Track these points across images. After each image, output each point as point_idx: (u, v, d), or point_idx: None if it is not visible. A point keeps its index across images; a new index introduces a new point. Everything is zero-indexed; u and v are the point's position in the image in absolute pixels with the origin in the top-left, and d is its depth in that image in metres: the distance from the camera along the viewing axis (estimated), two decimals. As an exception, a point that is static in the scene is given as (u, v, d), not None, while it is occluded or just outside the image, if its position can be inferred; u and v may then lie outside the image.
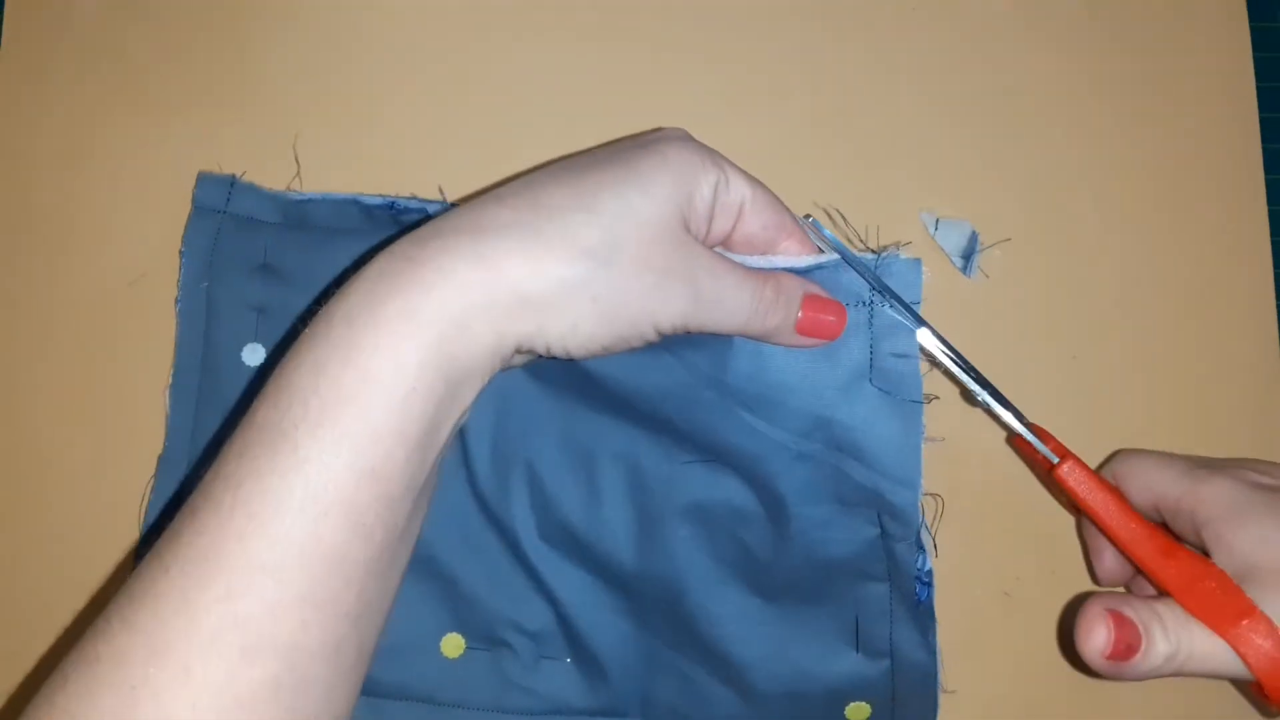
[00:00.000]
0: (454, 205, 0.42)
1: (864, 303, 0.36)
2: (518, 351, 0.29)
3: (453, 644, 0.39)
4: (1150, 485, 0.36)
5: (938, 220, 0.44)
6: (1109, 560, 0.38)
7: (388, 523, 0.27)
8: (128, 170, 0.45)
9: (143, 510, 0.41)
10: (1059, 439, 0.37)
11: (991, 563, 0.42)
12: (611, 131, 0.45)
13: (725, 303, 0.31)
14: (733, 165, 0.33)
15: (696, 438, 0.37)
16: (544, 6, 0.46)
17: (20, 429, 0.44)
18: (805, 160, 0.44)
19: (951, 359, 0.37)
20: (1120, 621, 0.31)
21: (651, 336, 0.31)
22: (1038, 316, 0.43)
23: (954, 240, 0.43)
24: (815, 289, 0.34)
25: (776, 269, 0.34)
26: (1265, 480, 0.34)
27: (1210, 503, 0.33)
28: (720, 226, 0.33)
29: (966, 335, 0.43)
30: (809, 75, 0.45)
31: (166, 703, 0.24)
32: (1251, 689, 0.31)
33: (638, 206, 0.30)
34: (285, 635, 0.25)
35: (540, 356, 0.31)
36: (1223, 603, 0.31)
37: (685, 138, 0.33)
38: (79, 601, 0.41)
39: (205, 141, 0.45)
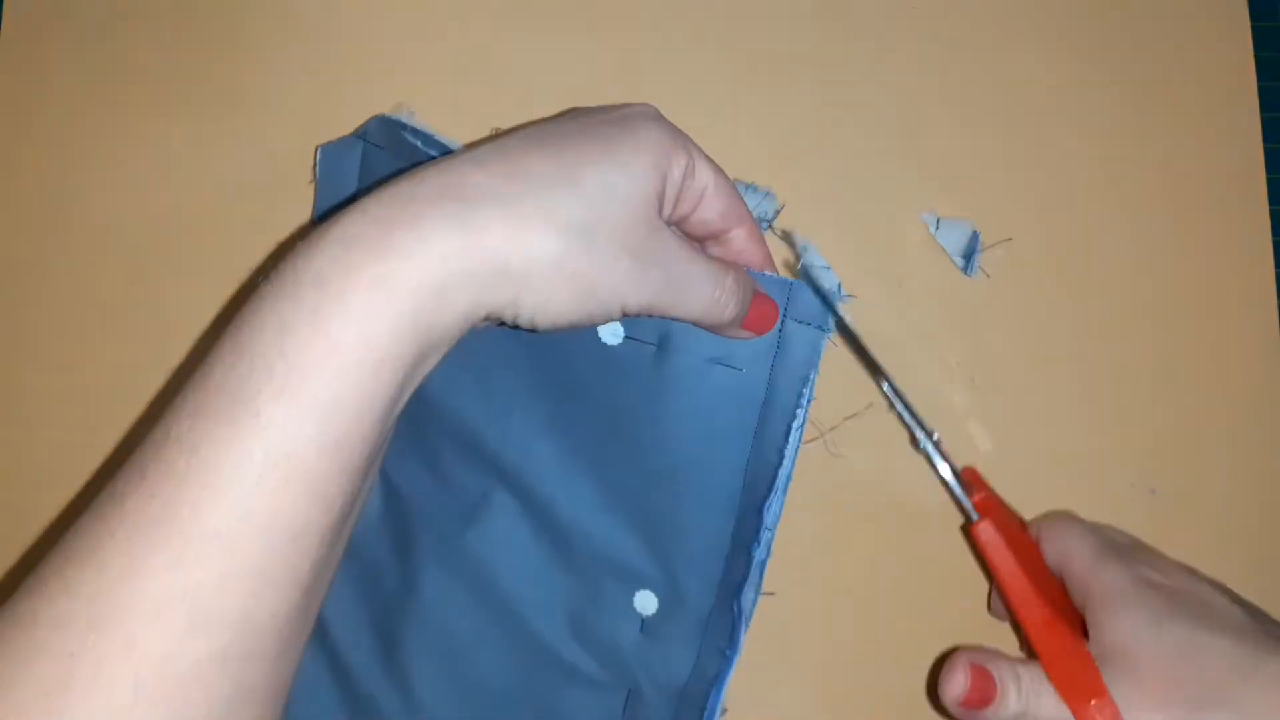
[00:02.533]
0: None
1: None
2: (486, 319, 0.29)
3: None
4: (1061, 553, 0.37)
5: (938, 220, 0.44)
6: (1000, 603, 0.40)
7: (347, 492, 0.26)
8: (127, 169, 0.45)
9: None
10: (992, 488, 0.39)
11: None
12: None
13: (691, 289, 0.31)
14: (698, 148, 0.33)
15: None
16: (545, 8, 0.46)
17: (20, 428, 0.44)
18: (805, 160, 0.44)
19: (900, 404, 0.38)
20: (980, 674, 0.34)
21: (616, 316, 0.30)
22: (1038, 316, 0.43)
23: (954, 240, 0.43)
24: (758, 287, 0.35)
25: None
26: (1157, 578, 0.35)
27: (1100, 586, 0.35)
28: (682, 210, 0.33)
29: (967, 335, 0.43)
30: (809, 74, 0.45)
31: (107, 673, 0.23)
32: None
33: (618, 186, 0.29)
34: (236, 608, 0.24)
35: (501, 324, 0.30)
36: (1081, 681, 0.33)
37: (657, 117, 0.32)
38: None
39: (205, 141, 0.45)
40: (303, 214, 0.44)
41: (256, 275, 0.43)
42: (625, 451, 0.38)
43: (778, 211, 0.44)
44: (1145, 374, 0.43)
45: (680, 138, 0.32)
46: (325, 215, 0.38)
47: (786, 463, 0.36)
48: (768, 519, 0.37)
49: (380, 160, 0.40)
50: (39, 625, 0.24)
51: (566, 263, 0.28)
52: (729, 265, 0.33)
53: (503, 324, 0.30)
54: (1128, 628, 0.34)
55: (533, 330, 0.30)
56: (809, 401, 0.36)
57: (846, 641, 0.42)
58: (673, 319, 0.33)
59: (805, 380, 0.36)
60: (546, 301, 0.28)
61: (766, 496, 0.37)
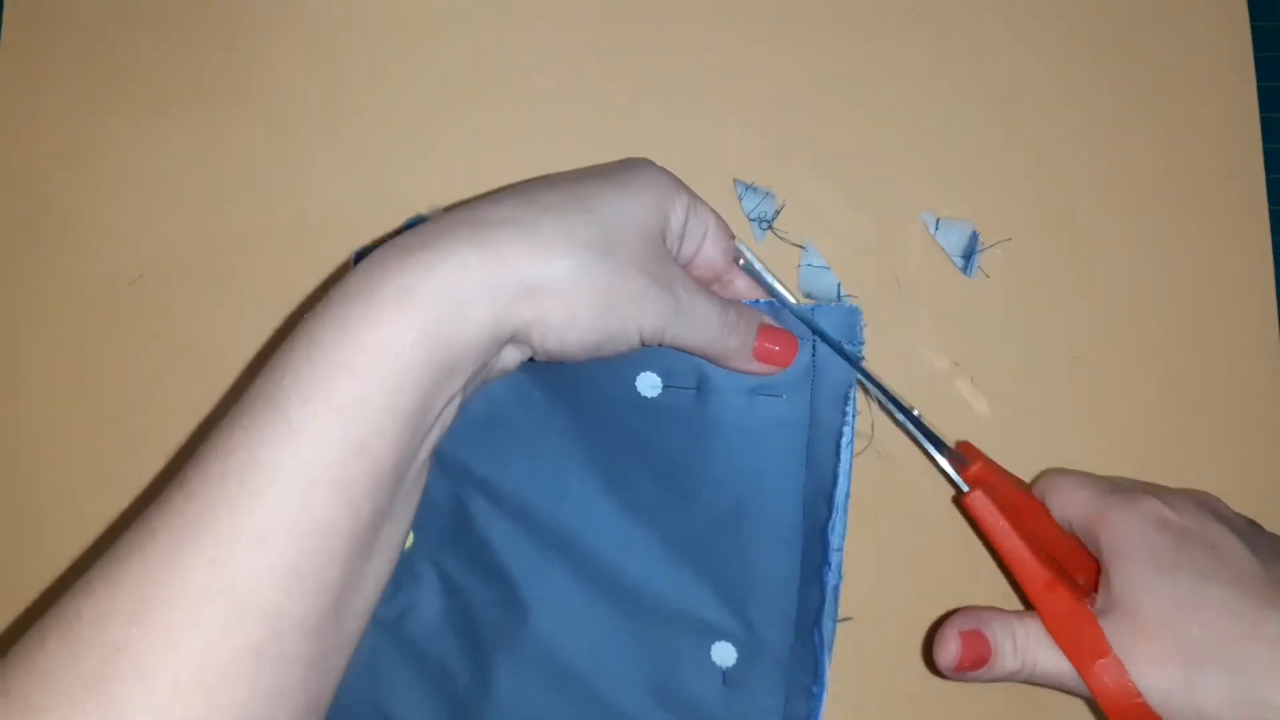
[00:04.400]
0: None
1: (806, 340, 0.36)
2: (513, 341, 0.30)
3: None
4: (1064, 504, 0.37)
5: (938, 220, 0.44)
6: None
7: (375, 499, 0.27)
8: (128, 170, 0.45)
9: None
10: (989, 458, 0.38)
11: (992, 563, 0.42)
12: (611, 130, 0.45)
13: (698, 315, 0.32)
14: (698, 198, 0.35)
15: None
16: (547, 10, 0.46)
17: (20, 427, 0.44)
18: (806, 160, 0.44)
19: (874, 386, 0.37)
20: (971, 638, 0.35)
21: (634, 339, 0.31)
22: (1038, 316, 0.43)
23: (954, 240, 0.43)
24: (769, 320, 0.36)
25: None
26: (1172, 517, 0.35)
27: (1109, 535, 0.35)
28: (687, 249, 0.35)
29: (967, 335, 0.43)
30: (809, 76, 0.45)
31: (148, 665, 0.24)
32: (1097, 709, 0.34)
33: (629, 212, 0.31)
34: (270, 604, 0.25)
35: (530, 358, 0.32)
36: (1086, 642, 0.34)
37: (658, 166, 0.34)
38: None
39: (205, 141, 0.45)
40: (302, 213, 0.44)
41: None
42: (681, 500, 0.37)
43: (778, 211, 0.44)
44: (1145, 374, 0.43)
45: (680, 183, 0.34)
46: None
47: (842, 480, 0.36)
48: (834, 541, 0.36)
49: None
50: (84, 621, 0.25)
51: (587, 277, 0.29)
52: (731, 302, 0.34)
53: (532, 359, 0.31)
54: (1133, 580, 0.34)
55: (559, 360, 0.31)
56: (854, 416, 0.36)
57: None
58: (681, 348, 0.33)
59: (846, 398, 0.36)
60: (572, 318, 0.29)
61: (828, 519, 0.36)
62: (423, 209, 0.43)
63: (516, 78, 0.45)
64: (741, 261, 0.36)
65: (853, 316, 0.36)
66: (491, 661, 0.39)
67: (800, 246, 0.43)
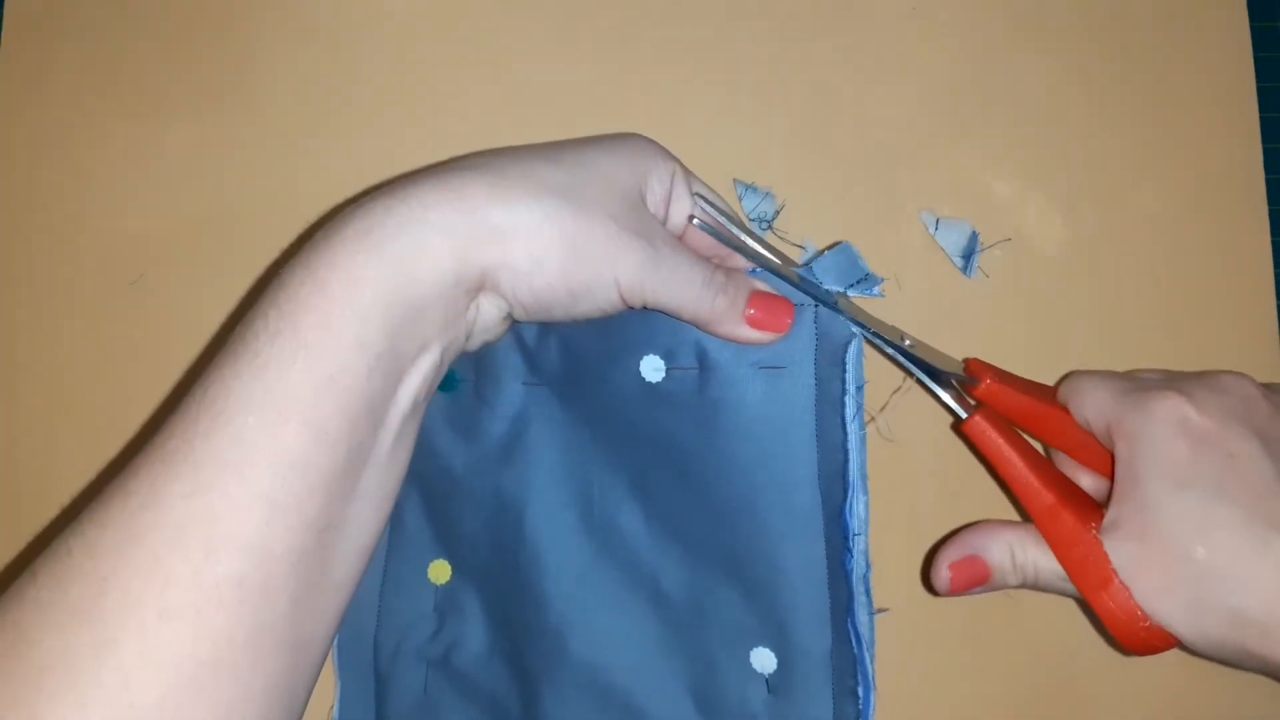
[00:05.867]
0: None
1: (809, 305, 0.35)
2: (485, 290, 0.30)
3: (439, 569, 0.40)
4: (1083, 408, 0.36)
5: (938, 220, 0.44)
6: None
7: (351, 440, 0.27)
8: (128, 170, 0.45)
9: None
10: (999, 370, 0.37)
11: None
12: (611, 129, 0.45)
13: (680, 270, 0.32)
14: (693, 173, 0.34)
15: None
16: (546, 9, 0.46)
17: (21, 426, 0.44)
18: (806, 160, 0.44)
19: (861, 327, 0.35)
20: (963, 566, 0.35)
21: (613, 295, 0.31)
22: (1037, 317, 0.43)
23: (954, 240, 0.43)
24: (763, 286, 0.35)
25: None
26: (1192, 417, 0.33)
27: (1125, 441, 0.34)
28: (676, 220, 0.34)
29: (967, 335, 0.43)
30: (810, 76, 0.45)
31: (135, 594, 0.24)
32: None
33: (601, 163, 0.31)
34: (249, 532, 0.25)
35: (509, 316, 0.31)
36: (1090, 568, 0.33)
37: (648, 138, 0.34)
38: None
39: (205, 141, 0.45)
40: (302, 213, 0.44)
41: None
42: (702, 499, 0.36)
43: (778, 211, 0.44)
44: (1145, 374, 0.43)
45: (670, 155, 0.34)
46: None
47: (854, 456, 0.34)
48: (853, 524, 0.34)
49: None
50: (73, 556, 0.25)
51: (553, 219, 0.29)
52: (720, 265, 0.33)
53: (509, 317, 0.31)
54: (1142, 497, 0.33)
55: (540, 317, 0.30)
56: (860, 387, 0.34)
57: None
58: (667, 310, 0.32)
59: (845, 363, 0.34)
60: (539, 261, 0.29)
61: (844, 500, 0.34)
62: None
63: (517, 77, 0.45)
64: (696, 221, 0.34)
65: (847, 253, 0.35)
66: (538, 688, 0.38)
67: (800, 246, 0.43)
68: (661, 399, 0.36)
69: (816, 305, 0.34)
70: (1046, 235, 0.44)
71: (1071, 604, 0.41)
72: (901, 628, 0.40)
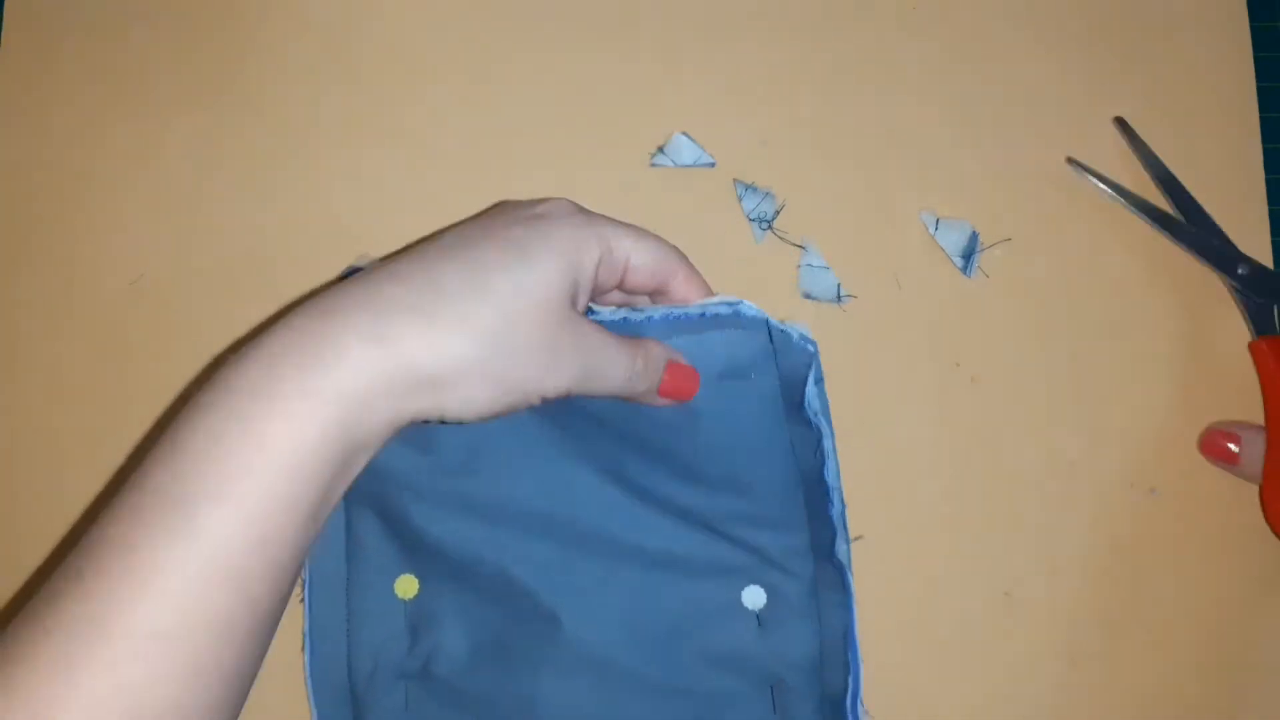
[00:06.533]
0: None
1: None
2: (412, 422, 0.30)
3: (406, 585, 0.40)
4: None
5: (938, 220, 0.44)
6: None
7: (274, 589, 0.28)
8: (128, 170, 0.45)
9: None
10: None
11: (991, 562, 0.42)
12: (611, 131, 0.45)
13: (605, 373, 0.33)
14: (615, 226, 0.34)
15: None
16: (548, 11, 0.46)
17: (21, 426, 0.44)
18: (805, 160, 0.44)
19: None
20: (1215, 439, 0.42)
21: (536, 401, 0.32)
22: (1037, 316, 0.43)
23: (954, 240, 0.43)
24: (677, 356, 0.36)
25: (659, 317, 0.35)
26: None
27: None
28: (608, 282, 0.35)
29: (967, 335, 0.43)
30: (810, 76, 0.45)
31: None
32: None
33: (528, 288, 0.31)
34: (169, 701, 0.25)
35: (426, 422, 0.32)
36: None
37: (571, 212, 0.34)
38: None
39: (205, 142, 0.45)
40: (302, 213, 0.44)
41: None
42: (681, 472, 0.38)
43: (778, 211, 0.44)
44: (1144, 374, 0.43)
45: (592, 227, 0.33)
46: None
47: (826, 429, 0.37)
48: (831, 480, 0.37)
49: None
50: None
51: (482, 364, 0.30)
52: (640, 346, 0.34)
53: (427, 422, 0.31)
54: None
55: (459, 424, 0.31)
56: (819, 380, 0.36)
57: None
58: (593, 396, 0.34)
59: (808, 366, 0.36)
60: (467, 401, 0.30)
61: (823, 464, 0.37)
62: (411, 213, 0.43)
63: (517, 79, 0.45)
64: (593, 317, 0.36)
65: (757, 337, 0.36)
66: (535, 678, 0.39)
67: (800, 246, 0.43)
68: (631, 405, 0.36)
69: (768, 322, 0.36)
70: (1046, 235, 0.44)
71: (1071, 604, 0.41)
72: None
